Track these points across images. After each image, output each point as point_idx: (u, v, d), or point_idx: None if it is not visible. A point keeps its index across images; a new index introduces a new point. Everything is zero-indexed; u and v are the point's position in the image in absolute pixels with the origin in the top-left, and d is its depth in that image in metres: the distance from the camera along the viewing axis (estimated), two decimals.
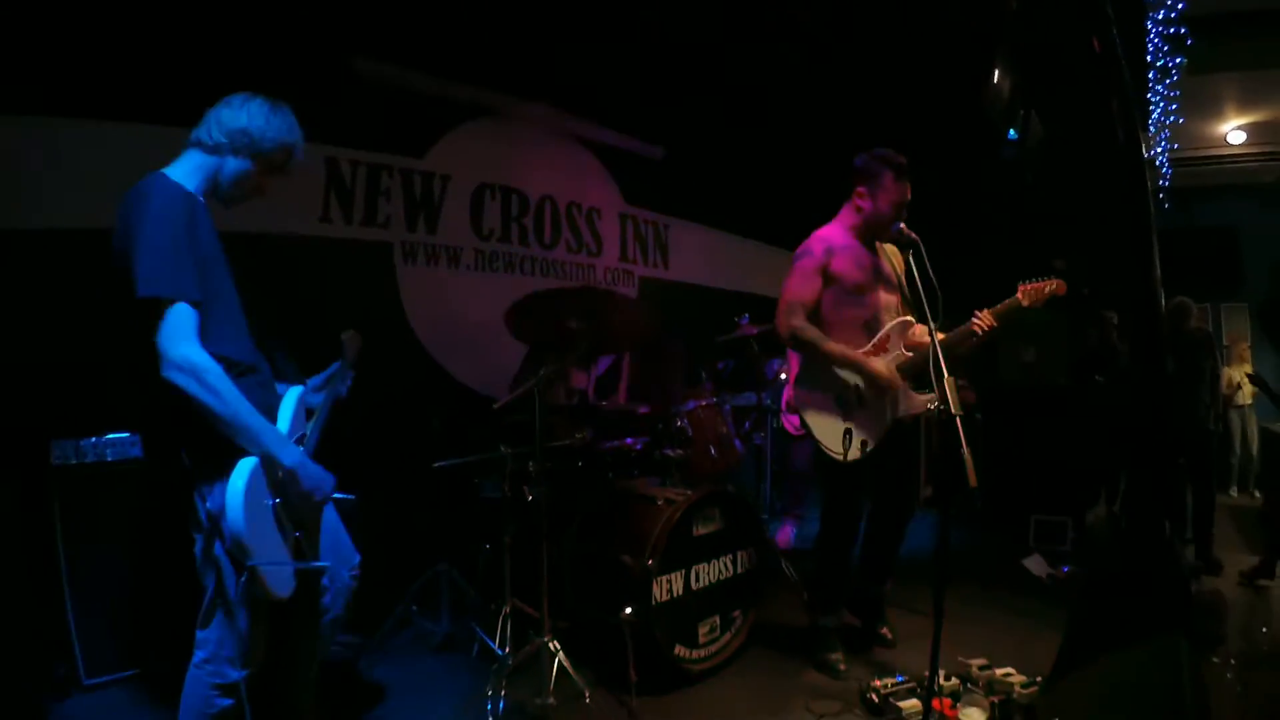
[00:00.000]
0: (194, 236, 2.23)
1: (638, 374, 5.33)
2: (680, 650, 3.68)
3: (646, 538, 3.60)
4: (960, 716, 3.20)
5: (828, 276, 3.77)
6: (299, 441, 2.50)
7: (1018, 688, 3.37)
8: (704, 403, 4.53)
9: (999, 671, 3.51)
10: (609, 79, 6.26)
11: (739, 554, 4.02)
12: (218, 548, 2.18)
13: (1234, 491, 9.40)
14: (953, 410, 2.96)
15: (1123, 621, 3.65)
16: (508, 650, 3.59)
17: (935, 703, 3.04)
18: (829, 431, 3.72)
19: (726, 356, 5.65)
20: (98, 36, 4.13)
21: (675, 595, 3.67)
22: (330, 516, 2.78)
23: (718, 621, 3.88)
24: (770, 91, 6.63)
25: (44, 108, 4.06)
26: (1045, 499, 6.48)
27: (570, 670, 3.39)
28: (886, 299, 3.81)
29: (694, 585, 3.77)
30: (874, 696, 3.39)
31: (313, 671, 2.72)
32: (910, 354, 3.71)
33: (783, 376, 5.91)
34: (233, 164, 2.47)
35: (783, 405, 5.78)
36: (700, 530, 3.85)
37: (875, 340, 3.74)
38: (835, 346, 3.70)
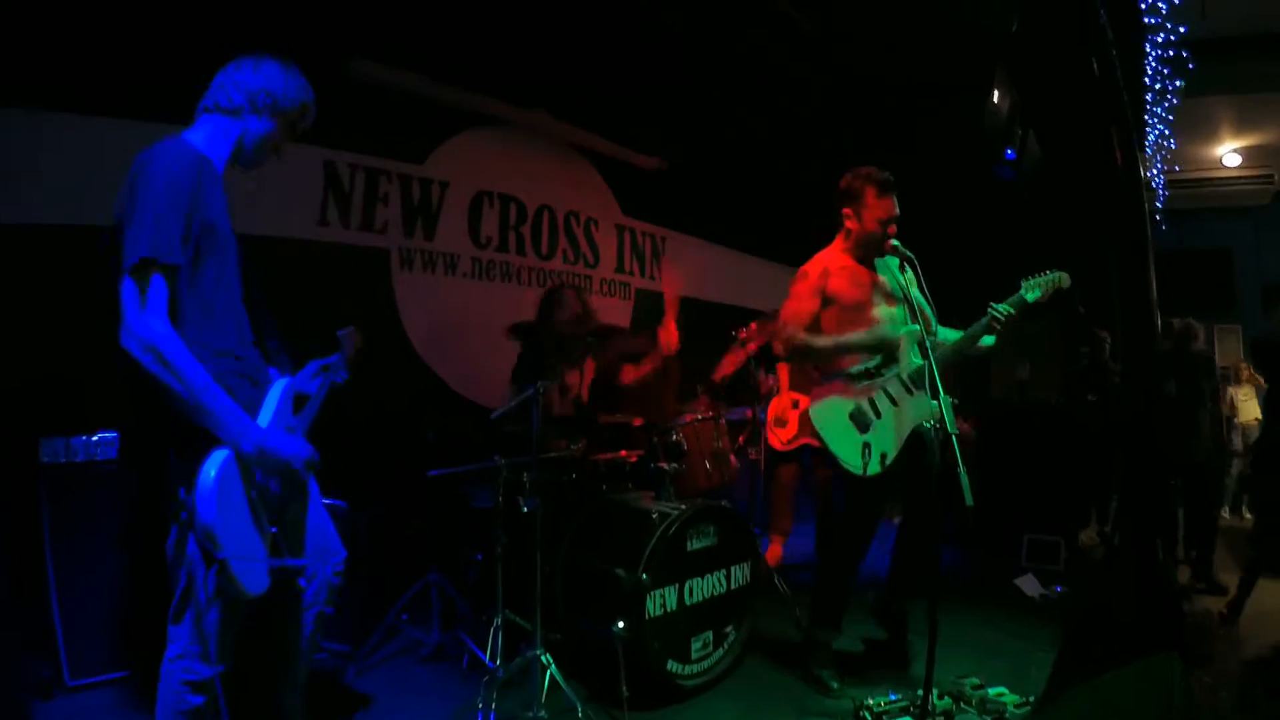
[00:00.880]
0: (195, 200, 2.19)
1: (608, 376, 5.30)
2: (673, 666, 3.65)
3: (640, 551, 3.58)
4: None
5: (826, 298, 3.78)
6: (290, 429, 2.47)
7: (1011, 707, 3.37)
8: (700, 416, 4.52)
9: (992, 691, 3.50)
10: (609, 89, 6.27)
11: (733, 569, 4.00)
12: (190, 540, 2.12)
13: (1226, 513, 9.41)
14: (949, 429, 2.96)
15: (1115, 642, 3.65)
16: (499, 662, 3.57)
17: None
18: (847, 445, 3.68)
19: (722, 371, 5.63)
20: (89, 31, 4.11)
21: (668, 610, 3.65)
22: (315, 510, 2.72)
23: (710, 637, 3.85)
24: (770, 106, 6.63)
25: (33, 101, 4.03)
26: (1038, 518, 6.48)
27: (561, 683, 3.35)
28: (890, 311, 3.79)
29: (687, 600, 3.75)
30: (867, 715, 3.37)
31: (298, 673, 2.68)
32: (919, 362, 3.68)
33: (774, 389, 5.89)
34: (256, 125, 2.46)
35: (768, 419, 5.75)
36: (694, 545, 3.82)
37: (886, 350, 3.73)
38: (823, 339, 3.71)
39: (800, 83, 6.30)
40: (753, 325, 5.33)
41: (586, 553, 3.98)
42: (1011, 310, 3.59)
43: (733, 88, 6.40)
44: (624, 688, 3.33)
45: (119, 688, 3.57)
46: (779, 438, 5.63)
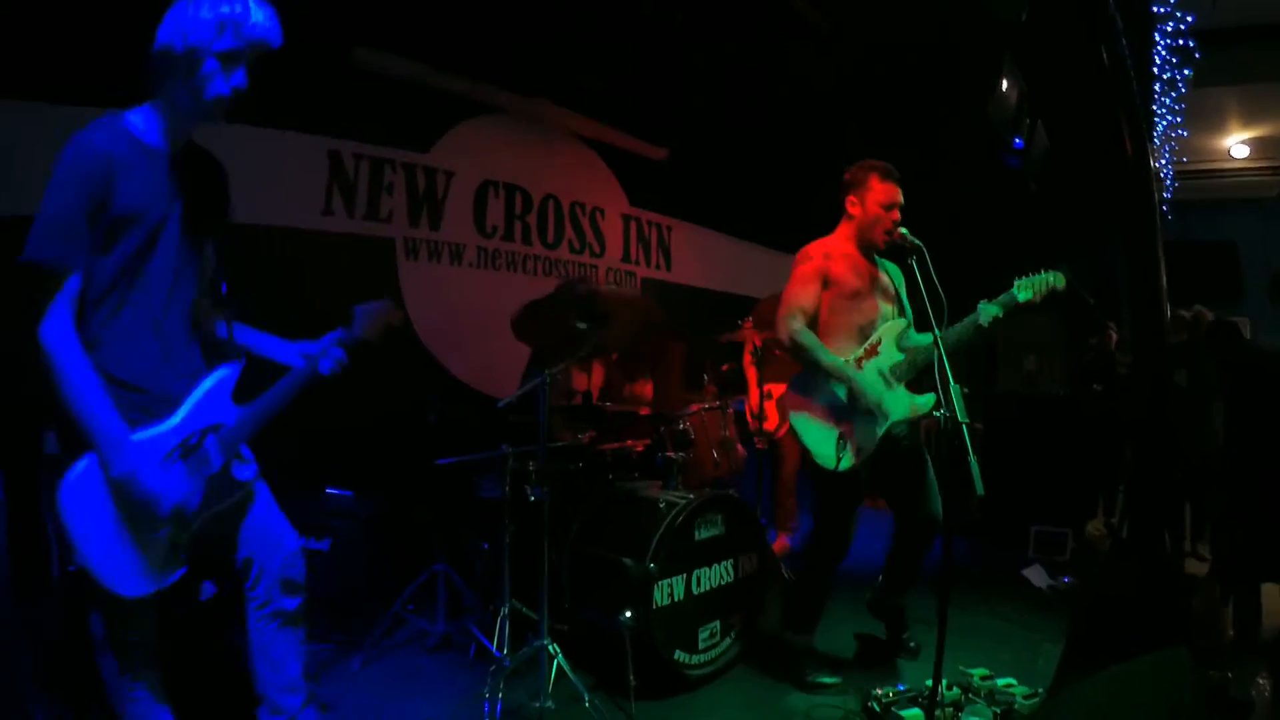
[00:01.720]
0: (100, 199, 2.09)
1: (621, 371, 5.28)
2: (680, 655, 3.63)
3: (648, 541, 3.56)
4: None
5: (826, 281, 3.73)
6: (211, 431, 2.33)
7: (1019, 698, 3.35)
8: (707, 406, 4.51)
9: (1000, 682, 3.48)
10: (615, 79, 6.24)
11: (741, 559, 3.98)
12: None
13: None
14: (960, 418, 2.94)
15: (1124, 633, 3.64)
16: (505, 652, 3.55)
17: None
18: (821, 438, 3.64)
19: (729, 359, 5.61)
20: (88, 21, 4.06)
21: (676, 599, 3.63)
22: (260, 504, 2.57)
23: (718, 627, 3.84)
24: (776, 96, 6.60)
25: (34, 94, 4.00)
26: (1045, 509, 6.45)
27: (569, 673, 3.34)
28: (884, 308, 3.78)
29: (695, 590, 3.74)
30: (875, 705, 3.36)
31: (281, 674, 2.57)
32: (902, 357, 3.68)
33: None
34: (179, 86, 2.19)
35: (746, 409, 5.64)
36: (702, 534, 3.81)
37: (868, 344, 3.71)
38: (831, 360, 3.62)
39: (806, 72, 6.26)
40: (749, 319, 5.35)
41: (594, 542, 3.96)
42: (999, 312, 3.56)
43: (738, 77, 6.37)
44: (631, 677, 3.34)
45: None
46: (769, 426, 5.57)
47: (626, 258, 7.19)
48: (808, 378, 3.77)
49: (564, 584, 3.94)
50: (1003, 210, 7.99)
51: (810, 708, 3.50)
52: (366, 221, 5.41)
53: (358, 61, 5.25)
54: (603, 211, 6.96)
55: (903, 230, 3.54)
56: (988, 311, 3.55)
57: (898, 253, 3.62)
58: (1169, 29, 6.98)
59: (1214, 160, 10.51)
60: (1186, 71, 7.42)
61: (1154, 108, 7.95)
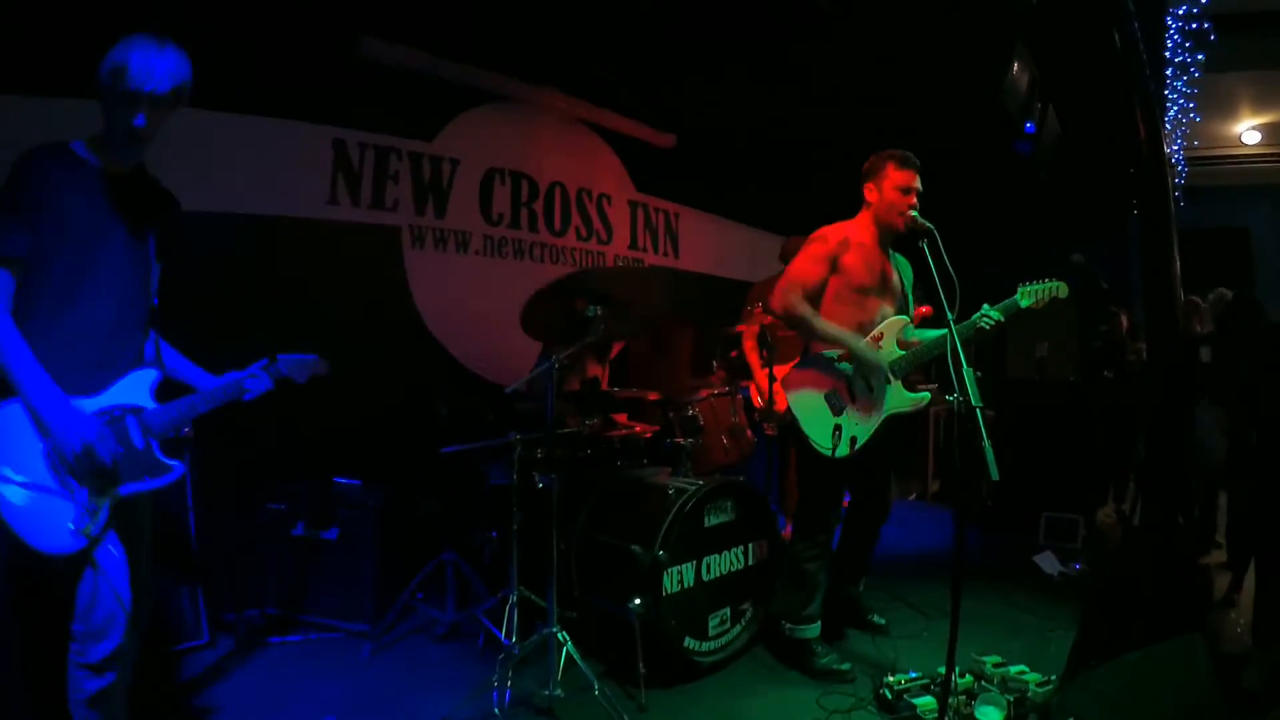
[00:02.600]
0: (33, 193, 2.27)
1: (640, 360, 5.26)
2: (690, 643, 3.62)
3: (657, 528, 3.54)
4: (977, 715, 3.14)
5: (837, 266, 3.72)
6: (131, 411, 2.44)
7: (1032, 686, 3.32)
8: (716, 392, 4.48)
9: (1013, 669, 3.46)
10: (621, 65, 6.20)
11: (751, 546, 3.97)
12: None
13: None
14: (974, 402, 2.92)
15: (1137, 619, 3.61)
16: (514, 640, 3.54)
17: None
18: (819, 427, 3.67)
19: (738, 346, 5.58)
20: (88, 13, 4.03)
21: (685, 586, 3.62)
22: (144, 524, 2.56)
23: (728, 614, 3.83)
24: (783, 80, 6.55)
25: (36, 89, 3.95)
26: (1056, 496, 6.42)
27: (578, 661, 3.32)
28: (885, 310, 3.77)
29: (705, 577, 3.72)
30: (887, 693, 3.34)
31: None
32: (903, 353, 3.69)
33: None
34: (103, 121, 2.37)
35: (752, 393, 5.61)
36: (712, 521, 3.79)
37: (870, 337, 3.70)
38: (826, 324, 3.67)
39: (816, 56, 6.20)
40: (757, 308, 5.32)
41: (603, 529, 3.94)
42: (1000, 317, 3.58)
43: (746, 63, 6.32)
44: (641, 665, 3.33)
45: None
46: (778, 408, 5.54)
47: (634, 245, 7.14)
48: (807, 366, 3.78)
49: (573, 572, 3.93)
50: (1014, 196, 7.93)
51: (821, 695, 3.48)
52: (372, 210, 5.37)
53: (362, 51, 5.22)
54: (610, 198, 6.91)
55: (914, 213, 3.53)
56: (990, 316, 3.57)
57: (910, 238, 3.59)
58: (1181, 12, 6.91)
59: (1226, 146, 10.43)
60: (1199, 56, 7.35)
61: (1166, 93, 7.88)
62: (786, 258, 5.26)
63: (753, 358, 5.37)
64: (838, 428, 3.60)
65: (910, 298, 3.89)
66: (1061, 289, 3.63)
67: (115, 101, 2.29)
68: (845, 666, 3.70)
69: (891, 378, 3.66)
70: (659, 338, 5.47)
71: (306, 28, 4.83)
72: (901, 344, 3.71)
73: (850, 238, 3.75)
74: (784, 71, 6.39)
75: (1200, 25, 6.86)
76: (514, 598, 3.66)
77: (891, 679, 3.40)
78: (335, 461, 4.40)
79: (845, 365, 3.70)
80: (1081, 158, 7.47)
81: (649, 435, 4.37)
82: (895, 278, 3.84)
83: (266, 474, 4.27)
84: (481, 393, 5.21)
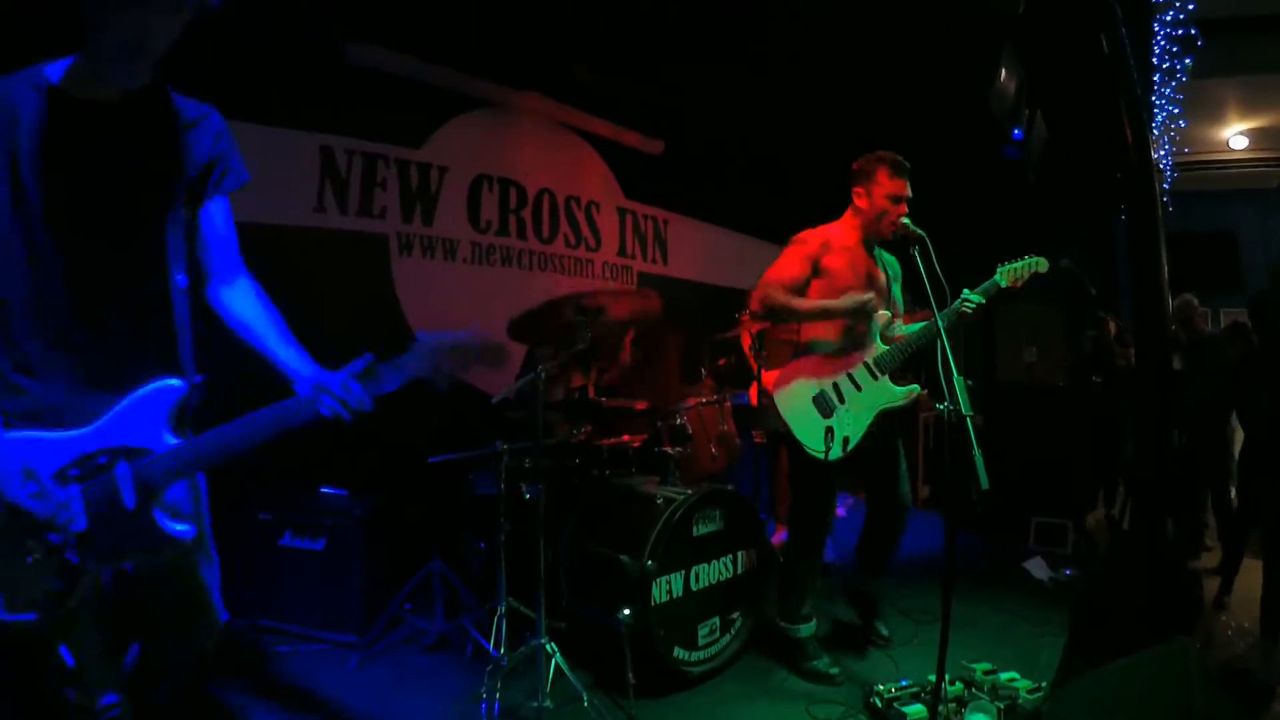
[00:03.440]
0: None
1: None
2: (679, 652, 3.61)
3: (646, 537, 3.53)
4: None
5: (819, 269, 3.75)
6: (124, 455, 1.79)
7: (1023, 693, 3.32)
8: (704, 400, 4.48)
9: (1003, 676, 3.45)
10: (609, 71, 6.19)
11: (739, 555, 3.95)
12: None
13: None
14: (964, 410, 2.93)
15: (1127, 624, 3.61)
16: (503, 651, 3.53)
17: None
18: (810, 430, 3.67)
19: (727, 353, 5.58)
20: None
21: (674, 596, 3.61)
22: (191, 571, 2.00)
23: (717, 623, 3.81)
24: (773, 86, 6.56)
25: None
26: (1046, 501, 6.45)
27: (567, 672, 3.31)
28: (874, 307, 3.77)
29: (694, 586, 3.71)
30: (877, 701, 3.33)
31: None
32: (886, 348, 3.72)
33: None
34: (88, 25, 1.73)
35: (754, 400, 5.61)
36: (701, 530, 3.78)
37: (854, 336, 3.74)
38: (801, 301, 3.69)
39: (807, 63, 6.22)
40: (745, 314, 5.33)
41: (591, 539, 3.93)
42: (981, 299, 3.60)
43: (734, 68, 6.33)
44: (630, 675, 3.31)
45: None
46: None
47: (623, 252, 7.13)
48: (793, 370, 3.78)
49: (561, 582, 3.92)
50: (1002, 201, 7.96)
51: (811, 704, 3.46)
52: (359, 218, 5.34)
53: (350, 57, 5.20)
54: (598, 205, 6.90)
55: (905, 220, 3.54)
56: (970, 300, 3.60)
57: (900, 243, 3.60)
58: (1168, 18, 6.93)
59: (1213, 151, 10.48)
60: (1187, 61, 7.38)
61: (1153, 98, 7.91)
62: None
63: (752, 360, 5.39)
64: (829, 430, 3.62)
65: (899, 297, 3.92)
66: (1041, 263, 3.67)
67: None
68: (833, 671, 3.71)
69: (878, 373, 3.69)
70: (647, 346, 5.46)
71: (293, 33, 4.80)
72: (885, 339, 3.74)
73: (832, 240, 3.78)
74: (771, 77, 6.41)
75: (1187, 31, 6.89)
76: (502, 608, 3.65)
77: (881, 687, 3.40)
78: (322, 470, 4.37)
79: (839, 341, 3.73)
80: (1069, 161, 7.50)
81: (637, 444, 4.36)
82: (882, 277, 3.86)
83: (252, 483, 4.24)
84: (470, 401, 5.19)
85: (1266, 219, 11.05)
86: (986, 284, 3.64)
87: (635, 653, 3.35)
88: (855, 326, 3.73)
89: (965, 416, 2.94)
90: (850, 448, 3.65)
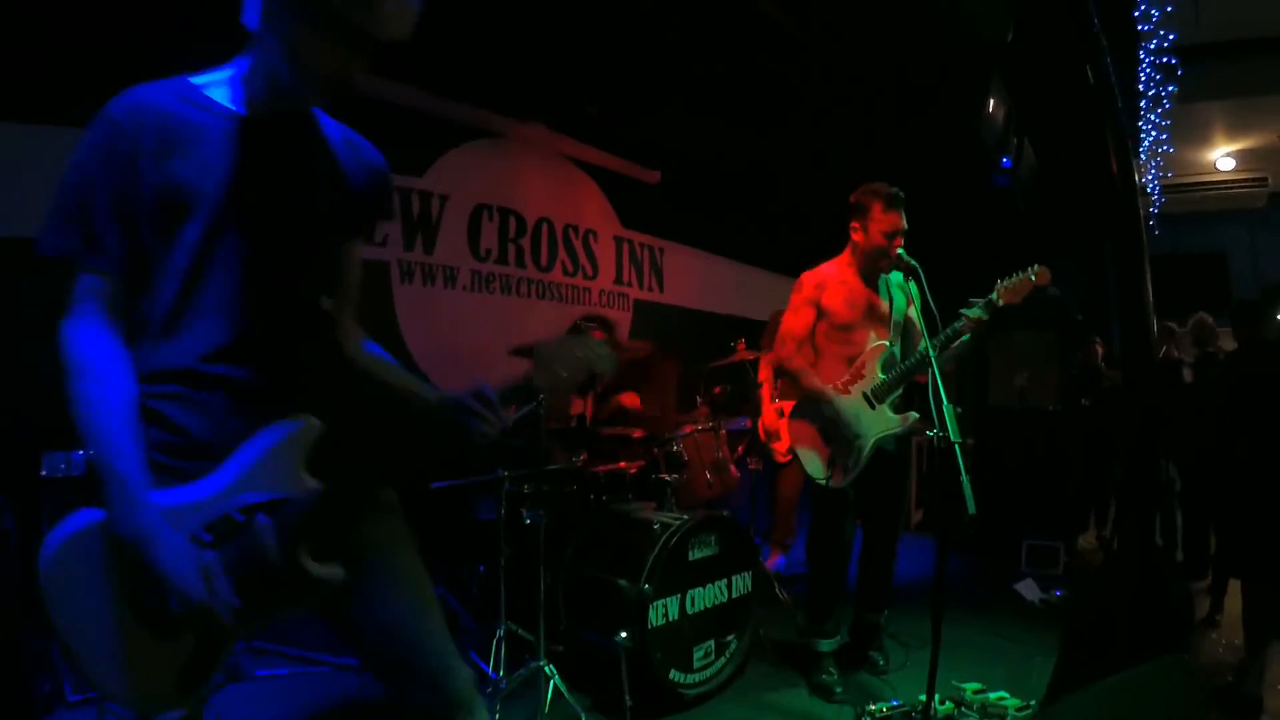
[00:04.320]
0: (125, 167, 1.56)
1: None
2: (675, 675, 3.67)
3: (643, 561, 3.60)
4: None
5: (819, 310, 3.92)
6: (266, 509, 1.58)
7: (1012, 711, 3.39)
8: (700, 427, 4.56)
9: (993, 695, 3.53)
10: (608, 102, 6.30)
11: (734, 579, 4.02)
12: None
13: None
14: (952, 437, 3.00)
15: (1117, 644, 3.68)
16: (502, 674, 3.58)
17: None
18: (815, 459, 3.85)
19: (722, 381, 5.67)
20: (73, 44, 4.08)
21: (671, 619, 3.67)
22: (396, 609, 1.82)
23: (713, 646, 3.88)
24: (769, 116, 6.67)
25: (32, 116, 4.00)
26: (1037, 523, 6.53)
27: (565, 694, 3.39)
28: (876, 339, 3.90)
29: (689, 610, 3.77)
30: None
31: None
32: (885, 377, 3.82)
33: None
34: (275, 44, 1.64)
35: (760, 431, 5.70)
36: (696, 555, 3.85)
37: (852, 368, 3.86)
38: (811, 381, 3.85)
39: (799, 94, 6.33)
40: (741, 342, 5.45)
41: (589, 564, 4.00)
42: (982, 313, 3.65)
43: (730, 100, 6.44)
44: (627, 698, 3.37)
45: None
46: (777, 450, 5.64)
47: (619, 280, 7.23)
48: (805, 402, 3.90)
49: (560, 605, 3.97)
50: (993, 227, 8.06)
51: None
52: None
53: (354, 86, 5.28)
54: (596, 234, 7.00)
55: (900, 251, 3.64)
56: (968, 315, 3.66)
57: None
58: (1153, 46, 7.07)
59: (1201, 173, 10.61)
60: (1171, 88, 7.51)
61: (1140, 124, 8.03)
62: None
63: (767, 389, 5.48)
64: (833, 458, 3.78)
65: (919, 318, 3.78)
66: (1038, 272, 3.69)
67: (329, 28, 1.61)
68: (838, 690, 3.82)
69: (875, 403, 3.80)
70: (644, 374, 5.54)
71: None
72: (884, 369, 3.85)
73: (828, 278, 3.92)
74: (766, 107, 6.52)
75: (1169, 60, 7.02)
76: (502, 631, 3.71)
77: (873, 708, 3.47)
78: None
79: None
80: (1059, 186, 7.61)
81: (634, 470, 4.43)
82: (884, 305, 3.96)
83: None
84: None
85: (1255, 238, 11.18)
86: (986, 299, 3.68)
87: (633, 675, 3.42)
88: (856, 360, 3.85)
89: (954, 443, 3.02)
90: (853, 475, 3.79)
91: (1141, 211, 5.48)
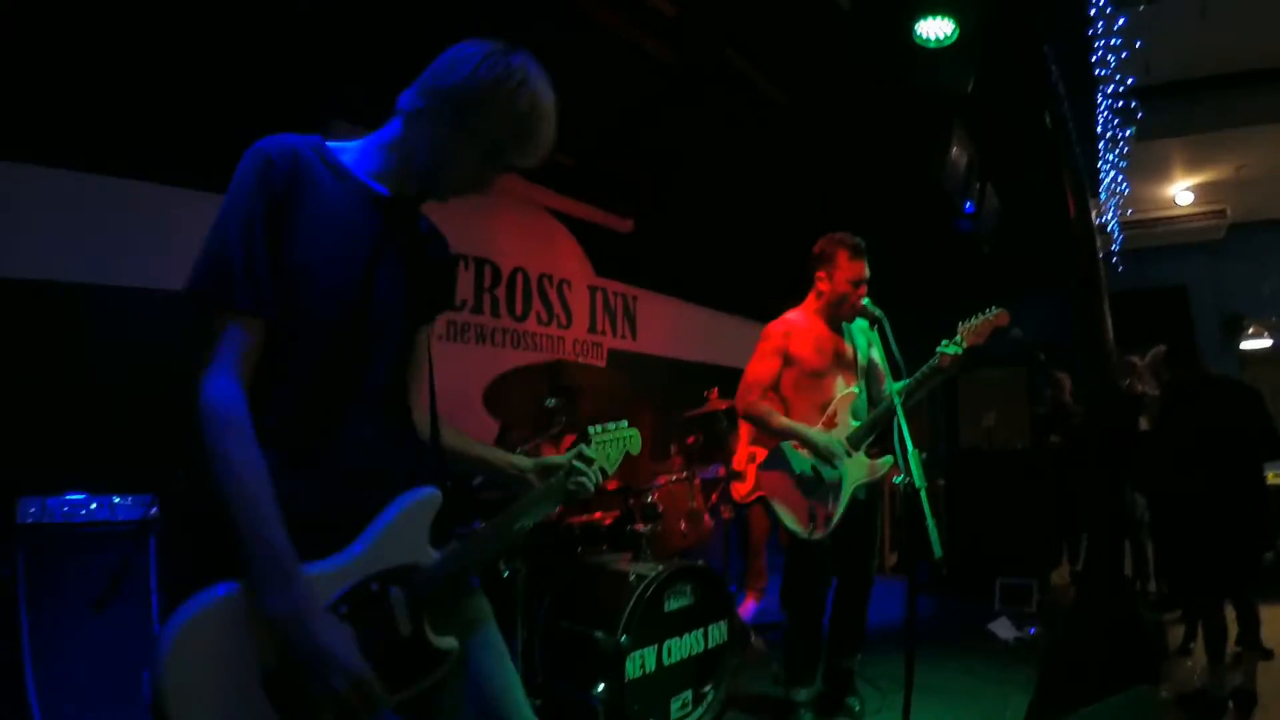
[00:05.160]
0: (277, 207, 1.55)
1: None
2: None
3: (619, 613, 3.63)
4: None
5: (787, 358, 3.96)
6: (396, 579, 1.58)
7: None
8: (675, 477, 4.60)
9: None
10: (582, 152, 6.38)
11: (710, 628, 4.06)
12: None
13: None
14: (917, 483, 3.07)
15: (1090, 679, 3.75)
16: None
17: None
18: (792, 511, 3.86)
19: (695, 430, 5.73)
20: (84, 90, 4.04)
21: (647, 671, 3.70)
22: (496, 681, 1.76)
23: (690, 696, 3.90)
24: (738, 166, 6.80)
25: (23, 155, 3.92)
26: (1010, 561, 6.59)
27: None
28: (844, 385, 3.96)
29: (666, 661, 3.80)
30: None
31: None
32: (858, 424, 3.88)
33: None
34: (426, 139, 1.73)
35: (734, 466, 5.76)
36: (672, 605, 3.89)
37: (825, 416, 3.90)
38: (779, 420, 3.87)
39: (767, 144, 6.47)
40: (714, 390, 5.53)
41: (565, 616, 4.01)
42: (959, 350, 3.69)
43: (701, 149, 6.56)
44: None
45: None
46: (737, 491, 5.69)
47: (593, 328, 7.28)
48: (775, 453, 3.94)
49: (536, 658, 3.98)
50: (957, 268, 8.21)
51: None
52: None
53: (333, 135, 5.30)
54: (570, 283, 7.06)
55: (864, 301, 3.74)
56: (946, 350, 3.69)
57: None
58: (1110, 90, 7.25)
59: (1160, 208, 10.83)
60: (1129, 131, 7.70)
61: (1099, 164, 8.22)
62: None
63: (744, 438, 5.53)
64: (811, 510, 3.80)
65: (882, 361, 3.98)
66: (1001, 315, 3.76)
67: (486, 149, 1.73)
68: None
69: (851, 451, 3.83)
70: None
71: (277, 111, 4.93)
72: (856, 417, 3.91)
73: (795, 326, 3.98)
74: (737, 156, 6.65)
75: (1128, 104, 7.21)
76: None
77: None
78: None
79: (802, 456, 3.87)
80: (1022, 228, 7.77)
81: (609, 521, 4.47)
82: (849, 351, 4.04)
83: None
84: (446, 480, 5.29)
85: (1214, 270, 11.39)
86: (949, 341, 3.72)
87: None
88: (829, 407, 3.89)
89: (919, 489, 3.08)
90: (831, 527, 3.79)
91: (1101, 250, 5.64)
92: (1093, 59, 7.02)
